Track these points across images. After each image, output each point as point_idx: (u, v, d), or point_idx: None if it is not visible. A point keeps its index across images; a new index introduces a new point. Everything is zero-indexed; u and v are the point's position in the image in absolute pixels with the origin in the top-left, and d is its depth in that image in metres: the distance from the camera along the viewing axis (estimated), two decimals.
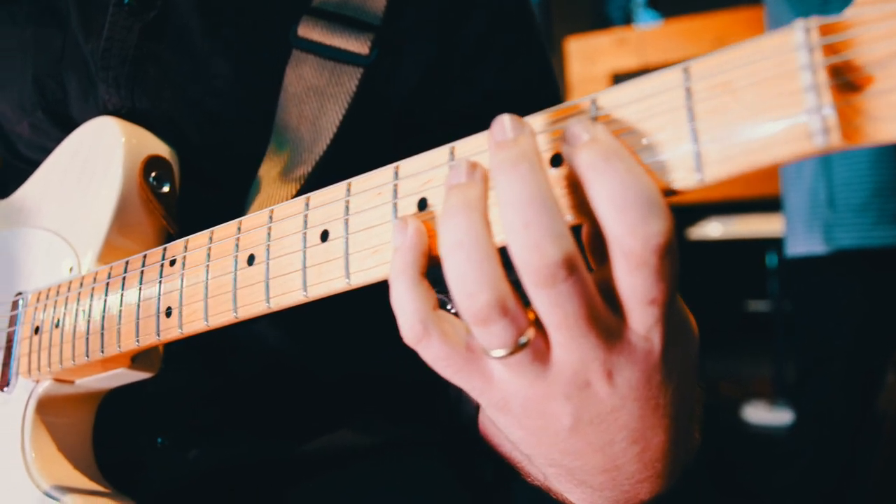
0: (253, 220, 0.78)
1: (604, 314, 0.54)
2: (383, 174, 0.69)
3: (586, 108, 0.58)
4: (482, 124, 0.61)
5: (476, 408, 0.93)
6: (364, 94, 0.99)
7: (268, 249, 0.76)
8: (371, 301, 1.01)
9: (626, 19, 6.59)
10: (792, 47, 0.51)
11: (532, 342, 0.56)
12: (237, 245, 0.79)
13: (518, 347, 0.56)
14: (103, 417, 1.01)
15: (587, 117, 0.57)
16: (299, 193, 0.96)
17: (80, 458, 0.99)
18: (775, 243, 4.46)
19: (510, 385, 0.58)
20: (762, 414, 4.59)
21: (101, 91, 1.02)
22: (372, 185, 0.69)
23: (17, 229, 1.08)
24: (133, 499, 0.95)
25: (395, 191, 0.68)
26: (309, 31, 0.99)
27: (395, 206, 0.67)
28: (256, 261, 0.76)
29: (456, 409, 0.97)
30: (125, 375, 0.94)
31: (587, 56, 6.07)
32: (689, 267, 0.66)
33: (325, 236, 0.71)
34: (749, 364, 5.64)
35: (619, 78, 5.81)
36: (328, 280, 0.71)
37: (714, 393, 5.00)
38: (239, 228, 0.79)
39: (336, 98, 0.99)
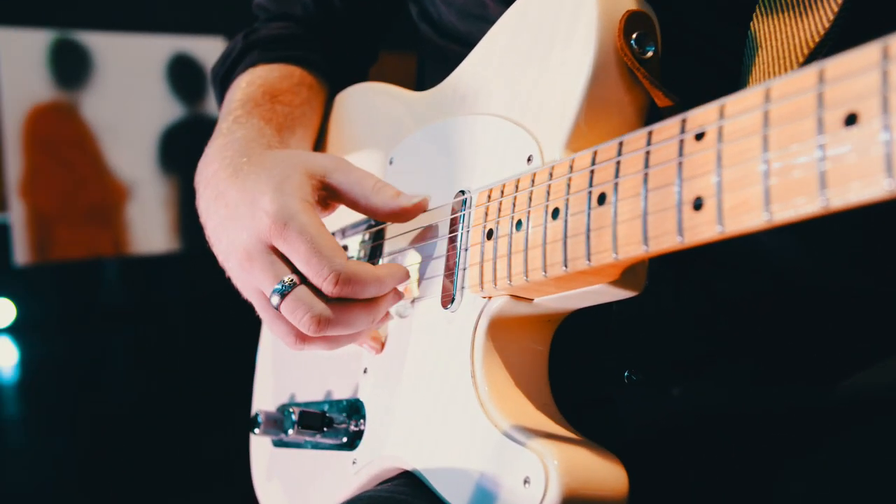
0: (849, 61, 0.52)
1: None
2: None
3: None
4: None
5: None
6: None
7: (885, 102, 0.49)
8: None
9: None
10: None
11: None
12: (821, 100, 0.53)
13: None
14: (557, 346, 0.82)
15: None
16: (830, 30, 0.69)
17: (538, 395, 0.80)
18: None
19: None
20: None
21: None
22: None
23: (451, 119, 0.91)
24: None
25: None
26: None
27: None
28: (862, 119, 0.50)
29: None
30: (603, 293, 0.73)
31: None
32: None
33: None
34: None
35: None
36: None
37: None
38: (821, 77, 0.53)
39: None
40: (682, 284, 0.81)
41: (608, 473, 0.72)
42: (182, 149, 2.76)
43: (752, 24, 0.76)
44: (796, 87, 0.55)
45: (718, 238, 0.59)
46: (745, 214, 0.56)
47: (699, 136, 0.61)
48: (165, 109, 2.77)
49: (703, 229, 0.59)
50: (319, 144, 1.15)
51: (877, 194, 0.49)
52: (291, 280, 0.83)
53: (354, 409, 0.95)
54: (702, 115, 0.61)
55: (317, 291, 0.83)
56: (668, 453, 0.83)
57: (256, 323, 1.17)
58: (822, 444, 0.80)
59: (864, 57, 0.51)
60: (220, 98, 1.17)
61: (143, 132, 2.74)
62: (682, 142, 0.62)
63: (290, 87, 1.10)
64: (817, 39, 0.70)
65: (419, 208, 0.87)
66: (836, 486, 0.80)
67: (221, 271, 0.94)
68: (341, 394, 0.99)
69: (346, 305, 0.84)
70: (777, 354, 0.82)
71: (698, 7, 0.80)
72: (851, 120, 0.51)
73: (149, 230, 2.72)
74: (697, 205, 0.60)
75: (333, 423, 0.97)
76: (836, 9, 0.70)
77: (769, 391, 0.82)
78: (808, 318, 0.82)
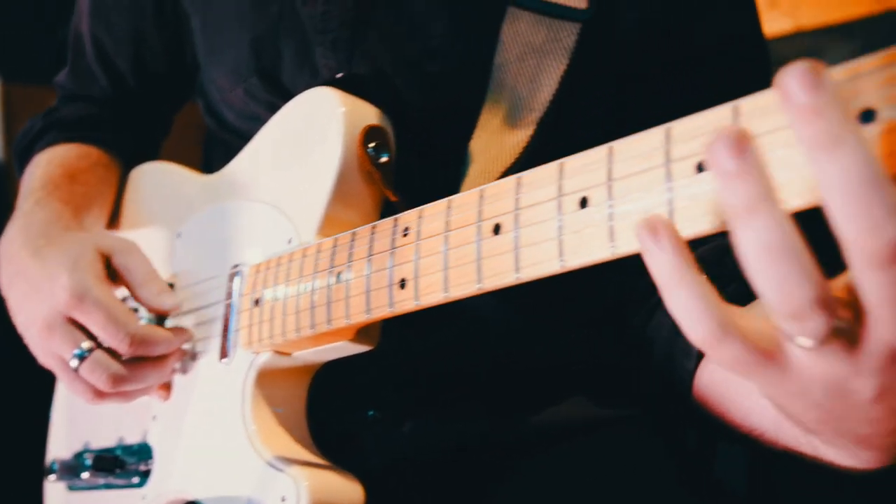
0: (498, 187, 0.75)
1: None
2: (652, 137, 0.64)
3: None
4: (705, 78, 0.66)
5: (690, 374, 0.87)
6: (583, 50, 0.95)
7: (516, 218, 0.72)
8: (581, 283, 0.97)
9: None
10: None
11: (849, 326, 0.51)
12: (480, 213, 0.75)
13: (833, 335, 0.51)
14: (315, 390, 1.01)
15: None
16: (522, 154, 0.93)
17: (297, 431, 0.98)
18: None
19: (813, 371, 0.54)
20: None
21: (318, 55, 1.02)
22: (638, 151, 0.64)
23: (230, 203, 1.09)
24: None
25: (668, 155, 0.63)
26: None
27: (668, 170, 0.62)
28: (503, 230, 0.73)
29: (665, 378, 0.92)
30: (345, 348, 0.92)
31: None
32: None
33: (584, 203, 0.67)
34: None
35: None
36: (589, 250, 0.66)
37: None
38: (482, 196, 0.76)
39: (555, 55, 0.96)
40: (409, 340, 1.02)
41: (347, 489, 0.91)
42: None
43: (471, 142, 0.99)
44: (467, 200, 0.77)
45: (416, 309, 0.80)
46: (433, 293, 0.78)
47: (405, 233, 0.82)
48: None
49: (406, 303, 0.80)
50: (115, 218, 1.29)
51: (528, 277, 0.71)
52: (89, 346, 0.98)
53: (144, 451, 1.09)
54: (407, 216, 0.82)
55: (112, 354, 0.98)
56: (399, 479, 1.03)
57: (22, 381, 1.28)
58: (518, 469, 1.02)
59: (547, 172, 0.71)
60: (21, 169, 1.28)
61: None
62: (394, 235, 0.83)
63: (87, 167, 1.24)
64: (510, 162, 0.94)
65: (170, 311, 1.06)
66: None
67: None
68: (132, 439, 1.13)
69: (139, 364, 1.00)
70: (485, 395, 1.05)
71: (431, 126, 1.01)
72: (497, 230, 0.73)
73: None
74: (403, 285, 0.81)
75: (125, 464, 1.11)
76: (530, 133, 0.94)
77: (479, 426, 1.04)
78: (508, 365, 1.06)
